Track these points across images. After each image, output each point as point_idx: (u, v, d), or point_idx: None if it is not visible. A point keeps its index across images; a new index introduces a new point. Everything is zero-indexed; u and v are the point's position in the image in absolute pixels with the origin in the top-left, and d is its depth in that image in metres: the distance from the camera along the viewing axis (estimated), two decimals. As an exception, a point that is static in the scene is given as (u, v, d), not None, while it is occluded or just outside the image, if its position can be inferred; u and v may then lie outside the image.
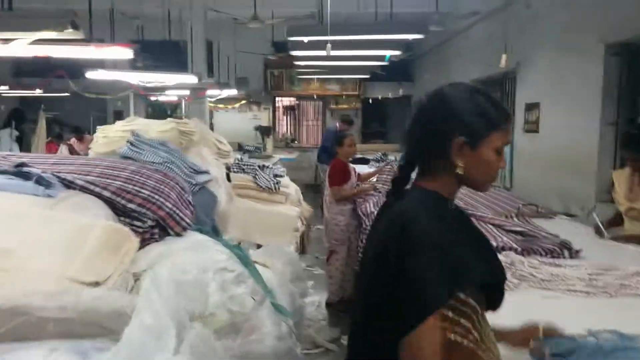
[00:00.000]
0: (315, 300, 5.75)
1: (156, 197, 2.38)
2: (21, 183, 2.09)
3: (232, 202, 4.15)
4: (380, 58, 8.77)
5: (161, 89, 10.08)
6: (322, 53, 6.08)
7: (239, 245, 2.84)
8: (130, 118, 4.38)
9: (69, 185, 2.24)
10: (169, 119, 4.43)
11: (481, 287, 1.38)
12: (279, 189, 4.80)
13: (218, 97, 11.41)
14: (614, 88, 5.29)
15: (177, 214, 2.43)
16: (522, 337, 1.68)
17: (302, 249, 5.45)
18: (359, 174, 5.92)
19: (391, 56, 8.38)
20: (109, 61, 6.67)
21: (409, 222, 1.36)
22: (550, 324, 1.73)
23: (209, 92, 9.71)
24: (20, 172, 2.17)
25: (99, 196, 2.25)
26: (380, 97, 15.02)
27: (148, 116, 12.78)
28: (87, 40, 4.27)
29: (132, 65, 7.31)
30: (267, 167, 5.22)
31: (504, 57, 6.81)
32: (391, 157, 9.26)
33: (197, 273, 1.91)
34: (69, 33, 3.47)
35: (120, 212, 2.29)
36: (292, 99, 15.74)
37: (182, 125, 4.04)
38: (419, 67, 13.73)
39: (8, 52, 4.15)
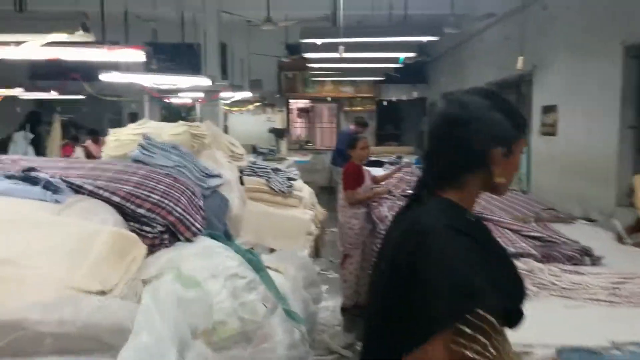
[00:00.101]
0: (330, 305, 5.69)
1: (166, 201, 2.34)
2: (28, 188, 2.05)
3: (245, 206, 4.11)
4: (394, 60, 8.70)
5: (175, 92, 10.13)
6: (336, 55, 6.03)
7: (251, 250, 2.80)
8: (142, 121, 4.36)
9: (77, 189, 2.20)
10: (180, 122, 4.41)
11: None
12: (292, 192, 4.76)
13: (232, 100, 11.42)
14: (633, 91, 5.19)
15: (187, 219, 2.39)
16: None
17: (316, 252, 5.40)
18: (374, 177, 5.86)
19: (405, 58, 8.31)
20: (122, 64, 6.67)
21: (426, 235, 1.33)
22: None
23: (223, 94, 9.73)
24: (27, 177, 2.14)
25: (108, 201, 2.21)
26: (394, 100, 14.95)
27: (163, 118, 12.87)
28: (99, 42, 4.26)
29: (147, 68, 7.32)
30: (281, 170, 5.18)
31: (520, 59, 6.71)
32: (405, 160, 9.22)
33: (203, 284, 1.86)
34: (79, 35, 3.45)
35: (129, 217, 2.25)
36: (306, 101, 15.70)
37: (194, 128, 4.01)
38: (433, 69, 13.64)
39: (20, 55, 4.16)
